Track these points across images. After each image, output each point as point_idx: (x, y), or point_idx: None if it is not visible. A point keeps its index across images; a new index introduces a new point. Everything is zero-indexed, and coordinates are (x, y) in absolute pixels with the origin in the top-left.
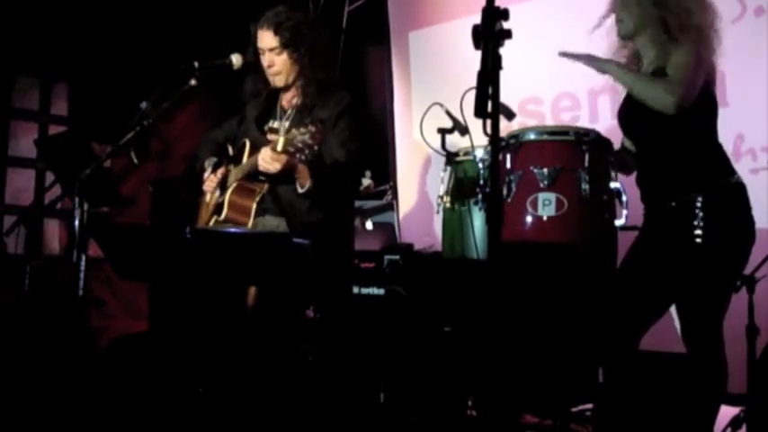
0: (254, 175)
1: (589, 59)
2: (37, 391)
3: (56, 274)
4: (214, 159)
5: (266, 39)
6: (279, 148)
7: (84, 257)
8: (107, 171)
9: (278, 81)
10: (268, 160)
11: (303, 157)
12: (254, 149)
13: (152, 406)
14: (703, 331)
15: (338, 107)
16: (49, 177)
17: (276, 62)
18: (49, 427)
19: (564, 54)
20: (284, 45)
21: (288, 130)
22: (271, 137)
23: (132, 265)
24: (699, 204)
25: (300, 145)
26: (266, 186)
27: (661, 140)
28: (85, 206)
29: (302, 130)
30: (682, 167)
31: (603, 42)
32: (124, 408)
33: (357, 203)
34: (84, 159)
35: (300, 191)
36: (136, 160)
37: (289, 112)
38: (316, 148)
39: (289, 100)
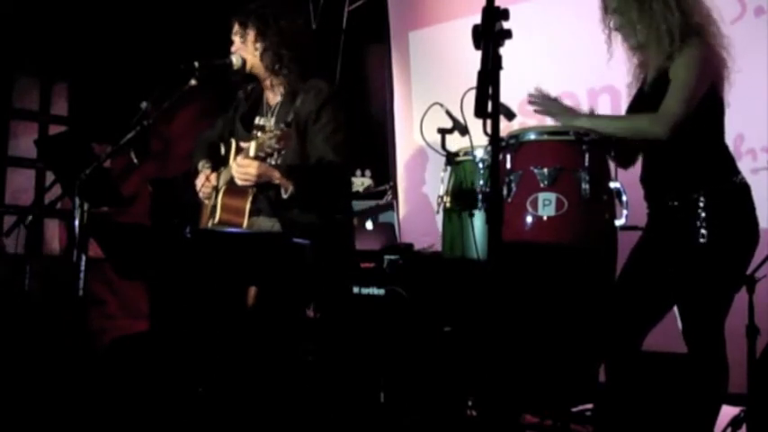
0: None
1: (560, 115)
2: (37, 392)
3: (56, 274)
4: (207, 163)
5: (234, 24)
6: (251, 153)
7: (84, 257)
8: (107, 171)
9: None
10: (242, 174)
11: (274, 162)
12: (240, 149)
13: (152, 406)
14: (705, 331)
15: (318, 100)
16: (49, 177)
17: (237, 44)
18: (49, 427)
19: (533, 102)
20: (242, 24)
21: (274, 126)
22: (255, 134)
23: (132, 265)
24: (702, 204)
25: (269, 150)
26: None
27: (665, 141)
28: (85, 206)
29: (269, 134)
30: (686, 167)
31: (605, 43)
32: (124, 408)
33: (357, 203)
34: (84, 159)
35: (284, 196)
36: (136, 160)
37: (273, 107)
38: (284, 151)
39: (272, 96)
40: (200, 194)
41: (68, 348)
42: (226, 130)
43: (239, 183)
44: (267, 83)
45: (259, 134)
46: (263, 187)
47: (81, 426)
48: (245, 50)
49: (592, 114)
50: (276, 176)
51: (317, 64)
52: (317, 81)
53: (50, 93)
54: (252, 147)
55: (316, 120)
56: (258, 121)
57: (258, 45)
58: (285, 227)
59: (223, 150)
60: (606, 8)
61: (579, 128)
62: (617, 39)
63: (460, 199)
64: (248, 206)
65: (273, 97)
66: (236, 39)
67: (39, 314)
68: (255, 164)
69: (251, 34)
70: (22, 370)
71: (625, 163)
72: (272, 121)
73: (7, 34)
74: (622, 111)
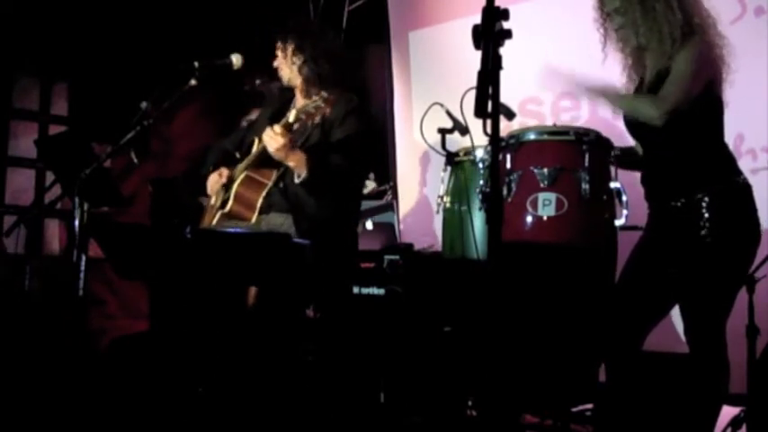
0: (262, 162)
1: (576, 86)
2: (37, 392)
3: (56, 274)
4: (215, 161)
5: (278, 44)
6: (291, 118)
7: (84, 257)
8: (107, 171)
9: (284, 80)
10: (271, 135)
11: (313, 122)
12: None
13: (152, 406)
14: (706, 331)
15: (347, 107)
16: (49, 177)
17: (279, 59)
18: (49, 427)
19: (549, 68)
20: (285, 42)
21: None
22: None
23: (132, 265)
24: (704, 204)
25: (312, 110)
26: (274, 179)
27: (667, 140)
28: (85, 206)
29: (314, 98)
30: (688, 167)
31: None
32: (124, 408)
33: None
34: (84, 159)
35: (297, 180)
36: (136, 160)
37: None
38: (328, 111)
39: (301, 102)
40: (209, 190)
41: (68, 348)
42: (242, 140)
43: (265, 140)
44: (301, 93)
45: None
46: (280, 179)
47: (81, 426)
48: (285, 64)
49: (605, 89)
50: (293, 159)
51: (351, 79)
52: (346, 93)
53: (50, 93)
54: (293, 113)
55: (340, 124)
56: None
57: (296, 59)
58: (297, 223)
59: (239, 155)
60: (604, 9)
61: (592, 98)
62: (610, 39)
63: (461, 194)
64: (261, 201)
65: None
66: (279, 53)
67: (39, 314)
68: (287, 136)
69: (290, 49)
70: (22, 370)
71: (634, 166)
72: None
73: (7, 34)
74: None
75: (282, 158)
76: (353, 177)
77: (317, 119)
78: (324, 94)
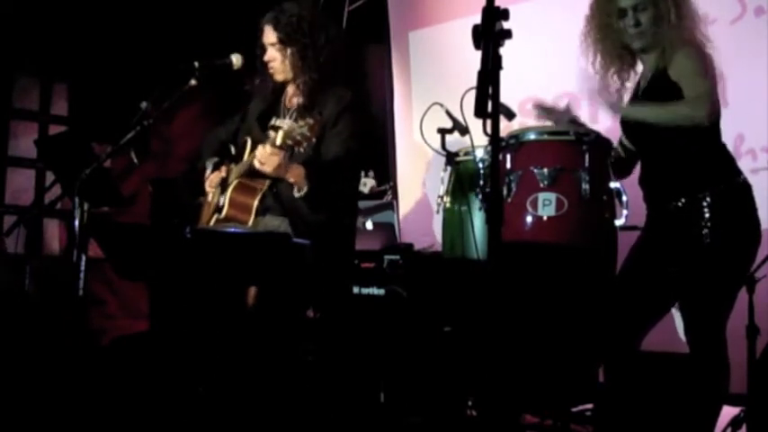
0: (254, 172)
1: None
2: (37, 392)
3: (56, 274)
4: (215, 159)
5: (267, 34)
6: (278, 141)
7: (84, 257)
8: (107, 171)
9: (277, 76)
10: (264, 158)
11: (301, 150)
12: (256, 147)
13: (152, 406)
14: (707, 331)
15: (339, 105)
16: (49, 177)
17: (275, 57)
18: (49, 427)
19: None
20: (281, 41)
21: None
22: (272, 134)
23: (132, 265)
24: (705, 205)
25: (299, 138)
26: (267, 184)
27: (665, 142)
28: (85, 206)
29: (300, 123)
30: (687, 168)
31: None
32: (124, 407)
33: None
34: (84, 159)
35: (298, 194)
36: (136, 160)
37: (291, 110)
38: (314, 140)
39: (291, 98)
40: (207, 187)
41: (68, 349)
42: (239, 130)
43: (257, 166)
44: (291, 86)
45: (286, 125)
46: (273, 185)
47: (81, 426)
48: (280, 64)
49: (629, 105)
50: (292, 174)
51: (345, 72)
52: (339, 88)
53: (50, 93)
54: (279, 135)
55: (333, 125)
56: (275, 121)
57: (288, 52)
58: (294, 225)
59: (234, 150)
60: (618, 5)
61: (618, 112)
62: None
63: (461, 194)
64: (256, 204)
65: (293, 100)
66: (267, 44)
67: (39, 314)
68: (281, 154)
69: (282, 41)
70: (22, 370)
71: (622, 172)
72: (289, 122)
73: (7, 34)
74: None
75: (282, 176)
76: (349, 192)
77: (304, 146)
78: (309, 120)
